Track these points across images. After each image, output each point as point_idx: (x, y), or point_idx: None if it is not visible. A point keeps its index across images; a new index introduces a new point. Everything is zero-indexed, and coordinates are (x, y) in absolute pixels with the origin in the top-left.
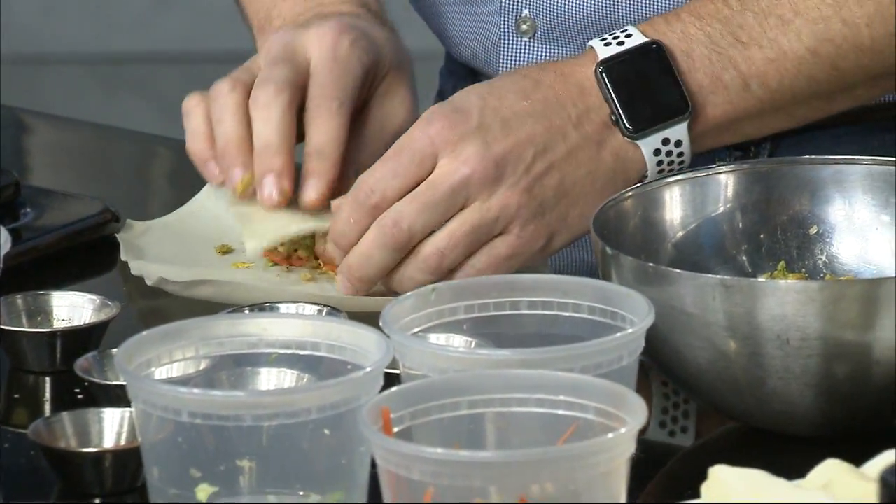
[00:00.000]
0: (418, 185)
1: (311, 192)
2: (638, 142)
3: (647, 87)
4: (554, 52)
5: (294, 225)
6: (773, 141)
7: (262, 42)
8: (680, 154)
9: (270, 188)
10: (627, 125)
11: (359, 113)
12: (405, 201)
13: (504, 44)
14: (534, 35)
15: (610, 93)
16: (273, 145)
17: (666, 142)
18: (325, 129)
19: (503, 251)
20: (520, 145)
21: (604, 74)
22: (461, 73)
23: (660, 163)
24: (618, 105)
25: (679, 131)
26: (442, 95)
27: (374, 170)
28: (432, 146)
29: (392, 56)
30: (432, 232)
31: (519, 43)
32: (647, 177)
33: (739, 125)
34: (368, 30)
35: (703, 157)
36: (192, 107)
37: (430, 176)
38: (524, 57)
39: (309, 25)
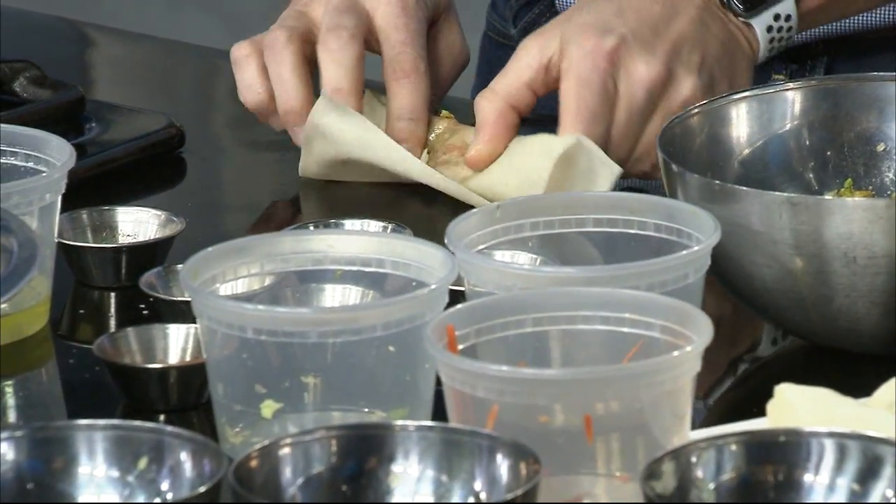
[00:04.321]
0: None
1: None
2: (751, 20)
3: None
4: None
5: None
6: (830, 56)
7: None
8: (789, 28)
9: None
10: (738, 5)
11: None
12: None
13: None
14: None
15: None
16: (345, 89)
17: (777, 17)
18: (413, 91)
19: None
20: (663, 36)
21: None
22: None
23: (771, 39)
24: None
25: (787, 6)
26: (493, 7)
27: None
28: (608, 64)
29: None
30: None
31: None
32: (760, 47)
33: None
34: None
35: (759, 71)
36: (243, 57)
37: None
38: None
39: None
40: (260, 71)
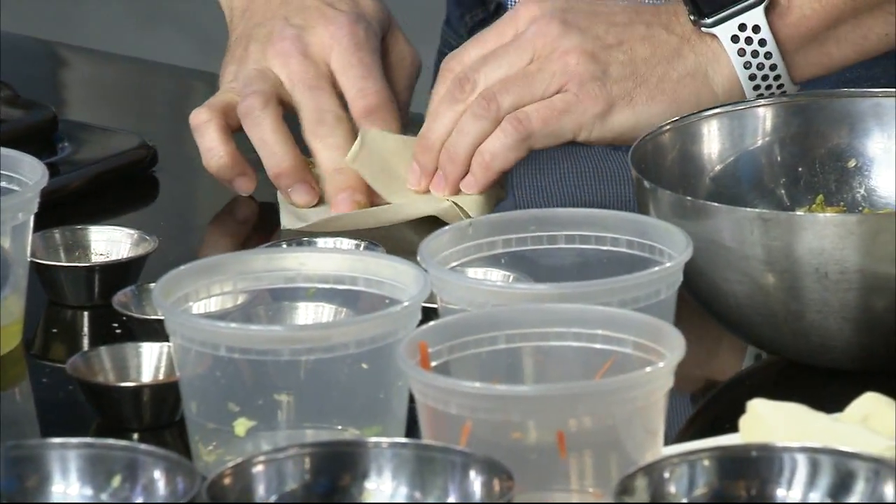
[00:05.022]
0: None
1: None
2: (714, 30)
3: None
4: None
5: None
6: None
7: (237, 24)
8: (763, 43)
9: (346, 203)
10: (700, 14)
11: None
12: (477, 60)
13: None
14: None
15: None
16: (345, 168)
17: (742, 27)
18: (383, 126)
19: (558, 104)
20: (595, 21)
21: None
22: (469, 2)
23: (741, 52)
24: None
25: (755, 16)
26: (448, 24)
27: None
28: (516, 17)
29: (384, 17)
30: None
31: None
32: (739, 82)
33: (839, 31)
34: (363, 8)
35: None
36: (203, 123)
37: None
38: None
39: (312, 25)
40: (220, 135)
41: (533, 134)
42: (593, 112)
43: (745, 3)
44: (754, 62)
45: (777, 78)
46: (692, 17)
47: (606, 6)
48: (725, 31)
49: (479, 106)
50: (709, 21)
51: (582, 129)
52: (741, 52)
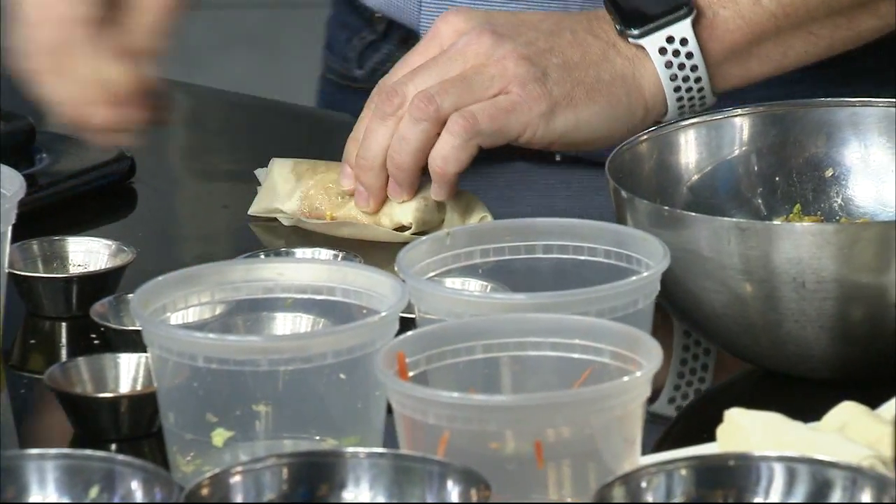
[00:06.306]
0: None
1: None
2: (641, 41)
3: None
4: None
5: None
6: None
7: None
8: (689, 56)
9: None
10: (627, 25)
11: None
12: (405, 76)
13: None
14: None
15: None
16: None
17: (671, 40)
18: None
19: (503, 104)
20: (523, 29)
21: None
22: (356, 25)
23: (668, 64)
24: (615, 6)
25: (683, 29)
26: (330, 48)
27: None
28: (438, 34)
29: None
30: None
31: None
32: (663, 90)
33: (760, 47)
34: None
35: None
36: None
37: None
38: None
39: None
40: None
41: (481, 132)
42: (538, 111)
43: (672, 17)
44: (680, 74)
45: (700, 90)
46: (618, 27)
47: (528, 15)
48: (653, 43)
49: (418, 108)
50: (635, 32)
51: (527, 128)
52: (668, 65)
